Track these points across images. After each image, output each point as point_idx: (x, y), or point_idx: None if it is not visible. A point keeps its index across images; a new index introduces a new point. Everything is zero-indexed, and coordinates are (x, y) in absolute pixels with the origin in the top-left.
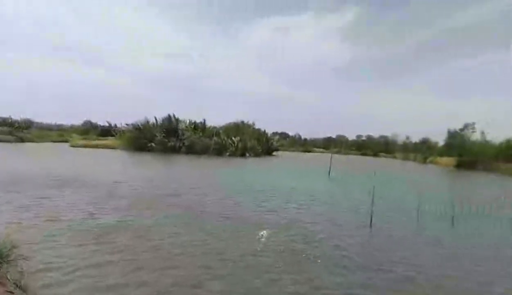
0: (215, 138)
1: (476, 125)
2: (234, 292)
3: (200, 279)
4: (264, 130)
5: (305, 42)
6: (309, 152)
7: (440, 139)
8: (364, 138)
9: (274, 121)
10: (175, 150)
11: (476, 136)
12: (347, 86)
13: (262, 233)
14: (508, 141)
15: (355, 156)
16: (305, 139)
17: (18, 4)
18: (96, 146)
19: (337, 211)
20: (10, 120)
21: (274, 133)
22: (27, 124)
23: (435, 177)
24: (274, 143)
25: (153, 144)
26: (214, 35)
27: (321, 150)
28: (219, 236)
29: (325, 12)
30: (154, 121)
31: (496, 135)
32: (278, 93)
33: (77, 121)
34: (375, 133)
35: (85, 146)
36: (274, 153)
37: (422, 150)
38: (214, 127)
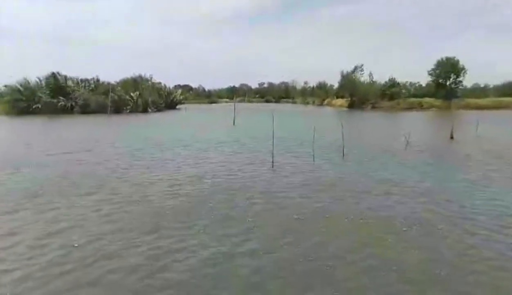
0: (111, 94)
1: (364, 67)
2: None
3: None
4: (165, 84)
5: None
6: (214, 102)
7: (335, 82)
8: (266, 85)
9: (175, 74)
10: (66, 110)
11: (364, 77)
12: (246, 33)
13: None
14: (390, 80)
15: (258, 103)
16: (209, 90)
17: None
18: None
19: (240, 154)
20: None
21: (176, 87)
22: None
23: (329, 116)
24: (177, 96)
25: (39, 106)
26: None
27: (226, 100)
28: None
29: None
30: (38, 80)
31: (381, 77)
32: (176, 44)
33: None
34: (276, 80)
35: None
36: (178, 107)
37: (319, 93)
38: (109, 83)
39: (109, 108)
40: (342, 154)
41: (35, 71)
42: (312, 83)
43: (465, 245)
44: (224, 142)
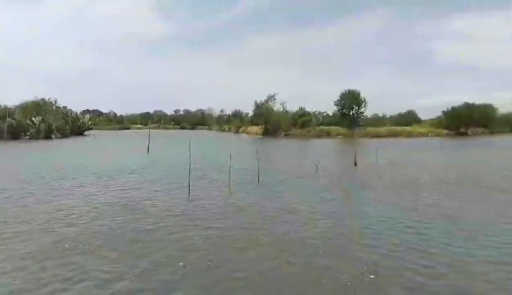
0: (9, 119)
1: (277, 97)
2: None
3: None
4: (71, 109)
5: (115, 13)
6: (127, 129)
7: (250, 111)
8: (182, 112)
9: (85, 99)
10: None
11: (278, 106)
12: (162, 60)
13: None
14: (301, 110)
15: (174, 130)
16: (121, 116)
17: None
18: None
19: (153, 182)
20: None
21: (85, 112)
22: None
23: (244, 144)
24: (86, 122)
25: None
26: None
27: (140, 126)
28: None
29: None
30: None
31: (293, 106)
32: (87, 68)
33: None
34: (192, 107)
35: None
36: (87, 133)
37: (235, 121)
38: (6, 106)
39: (5, 133)
40: (257, 180)
41: None
42: (228, 111)
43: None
44: (136, 170)
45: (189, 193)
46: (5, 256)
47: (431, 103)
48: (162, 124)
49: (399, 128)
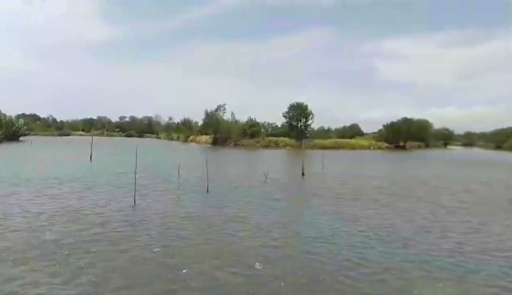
0: None
1: (226, 107)
2: None
3: None
4: (5, 114)
5: (57, 16)
6: (67, 135)
7: (199, 119)
8: (127, 119)
9: (22, 103)
10: None
11: (227, 116)
12: (106, 65)
13: None
14: (251, 120)
15: (119, 138)
16: (62, 121)
17: None
18: None
19: (99, 193)
20: None
21: (20, 116)
22: None
23: (194, 153)
24: (20, 127)
25: None
26: None
27: (81, 132)
28: None
29: None
30: None
31: (242, 116)
32: (25, 71)
33: None
34: (139, 114)
35: None
36: (22, 138)
37: (184, 130)
38: None
39: None
40: (206, 189)
41: None
42: (177, 119)
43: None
44: (78, 179)
45: (134, 202)
46: None
47: (373, 117)
48: (107, 131)
49: (343, 141)
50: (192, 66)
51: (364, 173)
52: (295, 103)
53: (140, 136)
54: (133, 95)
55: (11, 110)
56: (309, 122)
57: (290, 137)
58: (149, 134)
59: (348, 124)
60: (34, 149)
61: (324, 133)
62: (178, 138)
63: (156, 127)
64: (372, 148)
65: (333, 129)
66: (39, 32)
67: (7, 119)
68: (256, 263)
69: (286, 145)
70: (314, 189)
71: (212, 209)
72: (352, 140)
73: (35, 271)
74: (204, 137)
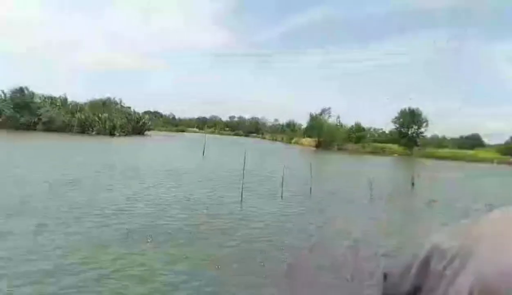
0: (78, 114)
1: (331, 110)
2: None
3: None
4: (134, 109)
5: (175, 22)
6: (183, 131)
7: (304, 122)
8: (236, 119)
9: (145, 99)
10: (29, 127)
11: (332, 120)
12: (218, 68)
13: None
14: (357, 125)
15: (228, 136)
16: (179, 119)
17: None
18: None
19: (206, 186)
20: None
21: (146, 112)
22: None
23: (297, 155)
24: (146, 122)
25: None
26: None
27: (195, 129)
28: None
29: None
30: (1, 94)
31: (347, 120)
32: (148, 71)
33: None
34: (247, 114)
35: None
36: (146, 133)
37: (288, 132)
38: (77, 103)
39: (74, 128)
40: (309, 192)
41: None
42: (282, 121)
43: None
44: (191, 172)
45: (241, 198)
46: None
47: (498, 127)
48: (217, 129)
49: (461, 151)
50: (297, 70)
51: (488, 189)
52: (406, 109)
53: (247, 136)
54: (242, 97)
55: (139, 107)
56: (422, 129)
57: (399, 144)
58: (255, 134)
59: (466, 133)
60: (155, 142)
61: (438, 142)
62: (282, 140)
63: (262, 128)
64: (495, 162)
65: (449, 138)
66: (158, 38)
67: (136, 115)
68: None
69: (393, 153)
70: (423, 202)
71: (315, 212)
72: (472, 152)
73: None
74: (308, 140)
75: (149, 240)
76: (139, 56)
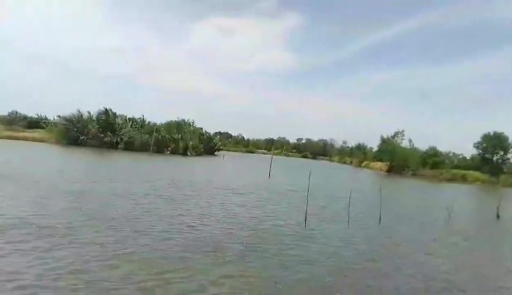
0: (155, 134)
1: (404, 133)
2: None
3: None
4: (205, 130)
5: (247, 44)
6: (251, 152)
7: (374, 144)
8: (304, 141)
9: (216, 121)
10: (111, 145)
11: (405, 143)
12: (286, 91)
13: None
14: (432, 149)
15: (295, 158)
16: (248, 140)
17: None
18: (24, 138)
19: (271, 206)
20: None
21: (216, 133)
22: None
23: (367, 179)
24: (217, 143)
25: (85, 138)
26: (152, 32)
27: (263, 151)
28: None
29: (266, 17)
30: (88, 114)
31: (421, 143)
32: (219, 94)
33: (2, 111)
34: (314, 136)
35: (10, 138)
36: (216, 153)
37: (358, 154)
38: (154, 124)
39: (151, 147)
40: (378, 220)
41: (81, 106)
42: (351, 143)
43: None
44: (256, 192)
45: (305, 221)
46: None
47: None
48: (284, 151)
49: None
50: (364, 92)
51: None
52: (490, 133)
53: (314, 158)
54: (309, 119)
55: (210, 128)
56: (509, 155)
57: (482, 171)
58: (322, 157)
59: None
60: (225, 162)
61: None
62: (351, 163)
63: (330, 150)
64: None
65: None
66: (228, 60)
67: (207, 135)
68: None
69: (476, 180)
70: (510, 234)
71: (386, 244)
72: None
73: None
74: (379, 164)
75: (218, 255)
76: (210, 79)
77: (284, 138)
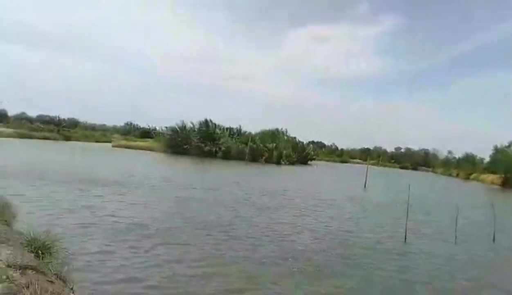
0: (250, 144)
1: None
2: None
3: None
4: (298, 139)
5: (340, 51)
6: (345, 162)
7: (484, 155)
8: (403, 150)
9: (310, 130)
10: (211, 154)
11: None
12: (382, 97)
13: None
14: None
15: (393, 168)
16: (342, 149)
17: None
18: (137, 147)
19: (370, 223)
20: (57, 119)
21: (310, 142)
22: (73, 124)
23: (477, 193)
24: (310, 152)
25: (188, 147)
26: (247, 41)
27: (358, 160)
28: None
29: (361, 23)
30: (191, 125)
31: None
32: (312, 102)
33: (119, 122)
34: (415, 146)
35: (126, 147)
36: (310, 162)
37: (465, 166)
38: (250, 133)
39: (246, 156)
40: (492, 238)
41: (182, 117)
42: (457, 153)
43: None
44: (350, 205)
45: (405, 236)
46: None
47: None
48: (381, 161)
49: None
50: (466, 99)
51: None
52: None
53: (415, 169)
54: (407, 128)
55: (303, 137)
56: None
57: None
58: (424, 168)
59: None
60: (318, 172)
61: None
62: (457, 175)
63: (433, 161)
64: None
65: None
66: (321, 68)
67: (300, 145)
68: None
69: None
70: None
71: (498, 262)
72: None
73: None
74: (491, 177)
75: (311, 267)
76: (302, 87)
77: (380, 147)
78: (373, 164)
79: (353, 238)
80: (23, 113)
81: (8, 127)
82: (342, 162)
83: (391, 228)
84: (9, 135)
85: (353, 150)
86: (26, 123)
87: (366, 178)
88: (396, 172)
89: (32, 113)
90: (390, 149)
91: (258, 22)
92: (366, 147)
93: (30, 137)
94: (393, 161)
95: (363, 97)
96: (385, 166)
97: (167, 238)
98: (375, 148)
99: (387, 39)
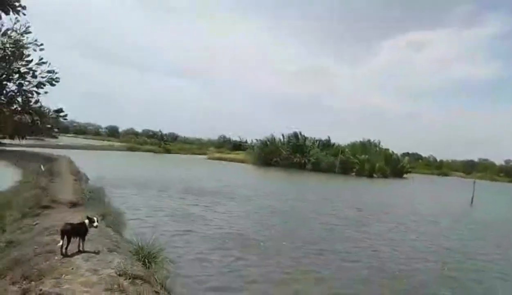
0: (341, 156)
1: None
2: None
3: None
4: (392, 151)
5: (438, 58)
6: (445, 175)
7: None
8: None
9: (404, 141)
10: (300, 166)
11: None
12: (487, 104)
13: None
14: None
15: (503, 183)
16: (441, 161)
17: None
18: (229, 159)
19: (476, 245)
20: (160, 134)
21: (404, 154)
22: (173, 138)
23: None
24: (405, 164)
25: (278, 159)
26: (340, 53)
27: (460, 174)
28: None
29: (462, 26)
30: (281, 138)
31: None
32: (407, 112)
33: (214, 136)
34: None
35: (219, 159)
36: (405, 175)
37: None
38: (339, 145)
39: (337, 168)
40: None
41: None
42: None
43: None
44: (454, 223)
45: None
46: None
47: None
48: (489, 174)
49: None
50: None
51: None
52: None
53: None
54: None
55: (397, 149)
56: None
57: None
58: None
59: None
60: (415, 186)
61: None
62: None
63: None
64: None
65: None
66: (417, 76)
67: (394, 157)
68: None
69: None
70: None
71: None
72: None
73: None
74: None
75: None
76: (395, 96)
77: (487, 160)
78: (479, 178)
79: (455, 258)
80: (131, 129)
81: (120, 141)
82: (442, 174)
83: (503, 250)
84: (119, 149)
85: (454, 162)
86: (133, 137)
87: (473, 193)
88: (509, 187)
89: (139, 128)
90: (498, 161)
91: (348, 34)
92: (469, 159)
93: (137, 150)
94: (502, 174)
95: (465, 104)
96: (494, 179)
97: (261, 249)
98: (480, 159)
99: (492, 41)
